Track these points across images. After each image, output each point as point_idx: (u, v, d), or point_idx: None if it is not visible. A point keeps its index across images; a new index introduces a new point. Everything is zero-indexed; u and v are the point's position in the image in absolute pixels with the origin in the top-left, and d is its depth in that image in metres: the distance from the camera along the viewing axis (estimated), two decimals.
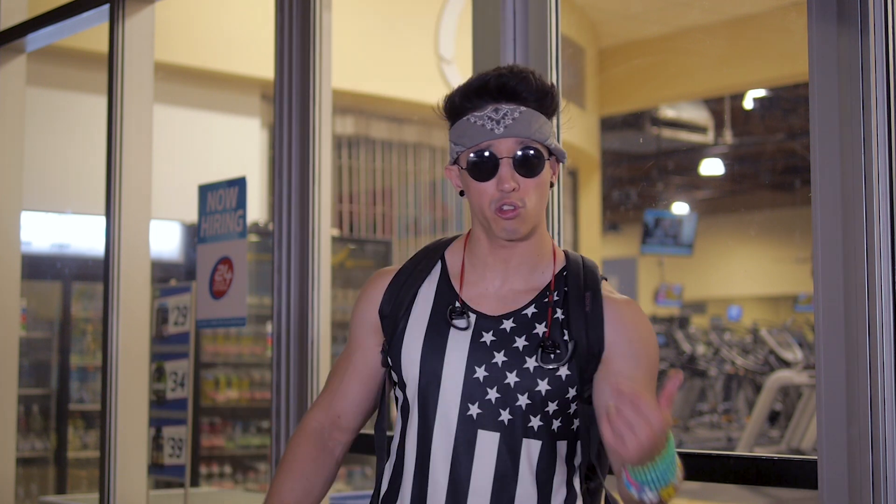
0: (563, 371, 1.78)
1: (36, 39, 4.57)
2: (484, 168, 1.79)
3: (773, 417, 10.98)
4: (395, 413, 1.91)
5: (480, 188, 1.80)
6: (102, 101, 4.00)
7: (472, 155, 1.80)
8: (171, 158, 6.09)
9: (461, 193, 1.87)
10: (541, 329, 1.80)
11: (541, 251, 1.87)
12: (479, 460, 1.77)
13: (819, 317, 2.09)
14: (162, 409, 3.71)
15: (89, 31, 4.42)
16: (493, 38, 2.78)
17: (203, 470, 6.72)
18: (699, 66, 8.68)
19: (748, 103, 10.54)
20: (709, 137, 11.16)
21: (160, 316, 3.77)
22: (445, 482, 1.77)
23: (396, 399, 1.89)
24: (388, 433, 1.93)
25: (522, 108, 1.79)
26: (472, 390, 1.78)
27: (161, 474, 3.70)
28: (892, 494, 1.96)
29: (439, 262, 1.90)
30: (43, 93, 6.30)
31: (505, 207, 1.77)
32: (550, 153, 1.82)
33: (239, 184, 3.45)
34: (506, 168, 1.77)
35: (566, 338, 1.80)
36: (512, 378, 1.77)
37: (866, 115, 2.02)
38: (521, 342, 1.79)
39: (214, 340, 6.84)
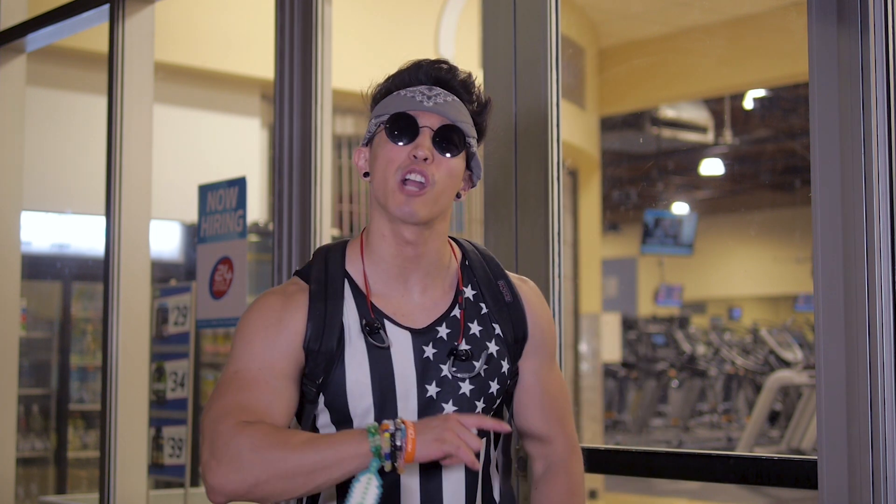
0: (505, 366, 1.77)
1: (36, 39, 4.57)
2: (403, 130, 1.69)
3: (773, 417, 10.98)
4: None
5: (391, 153, 1.69)
6: (102, 101, 4.00)
7: (392, 117, 1.70)
8: (171, 158, 6.08)
9: (365, 175, 1.75)
10: (476, 328, 1.76)
11: (445, 248, 1.79)
12: (449, 477, 1.72)
13: (819, 317, 2.09)
14: (162, 409, 3.71)
15: (89, 31, 4.42)
16: (506, 38, 2.77)
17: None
18: (699, 66, 8.67)
19: (748, 103, 10.53)
20: (709, 137, 11.16)
21: (160, 316, 3.77)
22: None
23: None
24: None
25: (455, 98, 1.73)
26: (427, 409, 1.71)
27: (161, 474, 3.70)
28: (892, 494, 1.96)
29: (345, 281, 1.75)
30: (43, 93, 6.30)
31: (410, 178, 1.67)
32: (469, 157, 1.75)
33: (239, 184, 3.45)
34: (425, 137, 1.69)
35: (497, 331, 1.78)
36: (466, 387, 1.73)
37: (866, 115, 2.02)
38: (462, 347, 1.74)
39: (214, 340, 6.84)
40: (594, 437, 9.49)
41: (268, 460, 1.54)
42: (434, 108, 1.70)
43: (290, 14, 3.21)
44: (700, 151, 11.69)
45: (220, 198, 3.50)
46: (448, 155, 1.70)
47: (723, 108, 10.85)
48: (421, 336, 1.73)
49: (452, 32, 7.78)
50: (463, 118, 1.72)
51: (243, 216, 3.42)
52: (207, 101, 7.20)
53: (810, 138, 2.12)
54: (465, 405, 1.72)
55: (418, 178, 1.67)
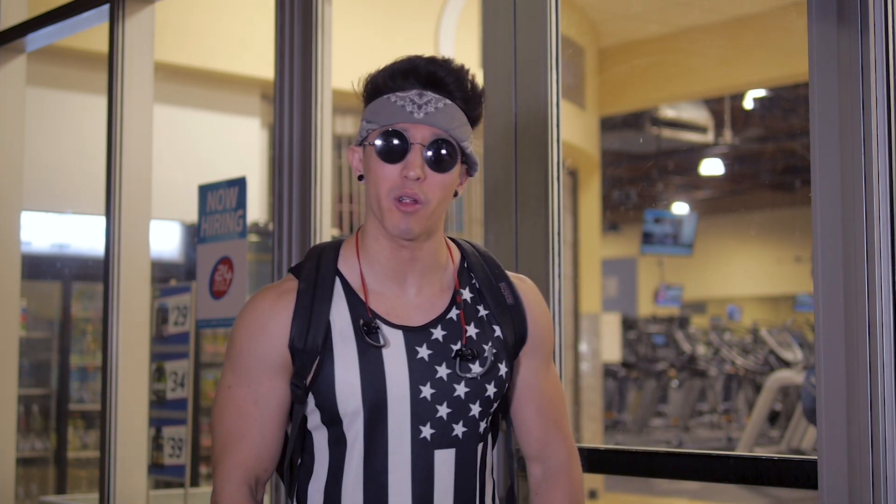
0: (503, 369, 1.75)
1: (36, 39, 4.57)
2: (393, 150, 1.66)
3: (773, 417, 10.98)
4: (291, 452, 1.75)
5: (383, 172, 1.66)
6: (102, 101, 4.00)
7: (382, 135, 1.67)
8: (171, 158, 6.08)
9: (360, 178, 1.74)
10: (472, 331, 1.74)
11: (441, 249, 1.77)
12: (440, 482, 1.69)
13: (819, 317, 2.09)
14: (162, 409, 3.71)
15: (89, 31, 4.42)
16: (505, 38, 2.77)
17: (203, 470, 6.71)
18: (699, 66, 8.67)
19: (748, 103, 10.53)
20: (709, 137, 11.16)
21: (160, 316, 3.77)
22: None
23: (307, 435, 1.74)
24: None
25: (447, 101, 1.68)
26: (421, 411, 1.68)
27: (161, 474, 3.70)
28: (892, 494, 1.96)
29: (336, 279, 1.73)
30: (43, 93, 6.30)
31: (404, 199, 1.65)
32: (464, 158, 1.72)
33: (239, 184, 3.45)
34: (416, 155, 1.65)
35: (497, 333, 1.76)
36: (461, 389, 1.70)
37: (866, 115, 2.02)
38: (458, 349, 1.72)
39: (214, 340, 6.84)
40: (594, 437, 9.49)
41: None
42: (425, 119, 1.66)
43: (290, 14, 3.21)
44: (700, 151, 11.68)
45: (220, 198, 3.50)
46: (441, 172, 1.67)
47: (723, 108, 10.85)
48: (414, 336, 1.70)
49: (452, 32, 7.78)
50: (456, 123, 1.69)
51: (243, 216, 3.42)
52: (207, 101, 7.20)
53: (810, 138, 2.12)
54: (459, 408, 1.70)
55: (409, 199, 1.66)
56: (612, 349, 10.82)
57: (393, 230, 1.67)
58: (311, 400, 1.71)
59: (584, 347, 9.60)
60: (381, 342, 1.68)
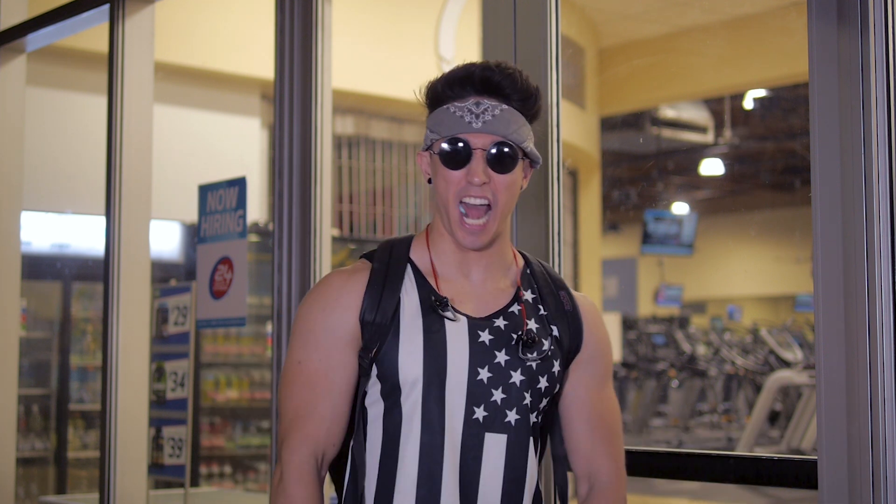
0: (556, 367, 1.80)
1: (36, 39, 4.57)
2: (456, 157, 1.75)
3: (773, 417, 10.98)
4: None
5: (449, 176, 1.76)
6: (102, 101, 4.00)
7: (445, 143, 1.76)
8: (171, 158, 6.08)
9: (429, 181, 1.82)
10: (532, 325, 1.80)
11: (506, 250, 1.86)
12: (488, 466, 1.73)
13: (819, 317, 2.09)
14: (162, 409, 3.71)
15: (89, 31, 4.42)
16: (505, 38, 2.77)
17: (203, 470, 6.72)
18: (699, 66, 8.68)
19: (748, 103, 10.54)
20: (709, 137, 11.16)
21: (160, 316, 3.77)
22: (457, 492, 1.72)
23: (363, 410, 1.79)
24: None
25: (504, 107, 1.76)
26: (476, 392, 1.74)
27: (161, 474, 3.70)
28: (892, 494, 1.96)
29: (408, 265, 1.83)
30: (43, 93, 6.30)
31: (469, 202, 1.74)
32: (525, 155, 1.79)
33: (239, 184, 3.45)
34: (478, 160, 1.74)
35: (555, 333, 1.82)
36: (517, 377, 1.75)
37: (866, 115, 2.02)
38: (543, 341, 1.79)
39: (214, 340, 6.84)
40: None
41: None
42: (483, 128, 1.74)
43: (290, 14, 3.21)
44: (700, 151, 11.69)
45: (220, 198, 3.50)
46: (504, 174, 1.75)
47: (723, 108, 10.86)
48: (478, 322, 1.77)
49: (452, 32, 7.78)
50: (515, 127, 1.76)
51: (243, 216, 3.42)
52: (207, 101, 7.20)
53: (810, 138, 2.12)
54: (514, 394, 1.75)
55: (478, 201, 1.75)
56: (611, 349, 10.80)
57: (463, 242, 1.77)
58: (374, 371, 1.76)
59: None
60: (453, 317, 1.75)
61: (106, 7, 4.01)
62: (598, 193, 9.90)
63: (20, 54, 4.68)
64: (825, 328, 2.08)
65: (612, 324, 10.85)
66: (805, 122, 2.16)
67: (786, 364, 11.39)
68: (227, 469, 6.88)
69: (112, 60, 3.95)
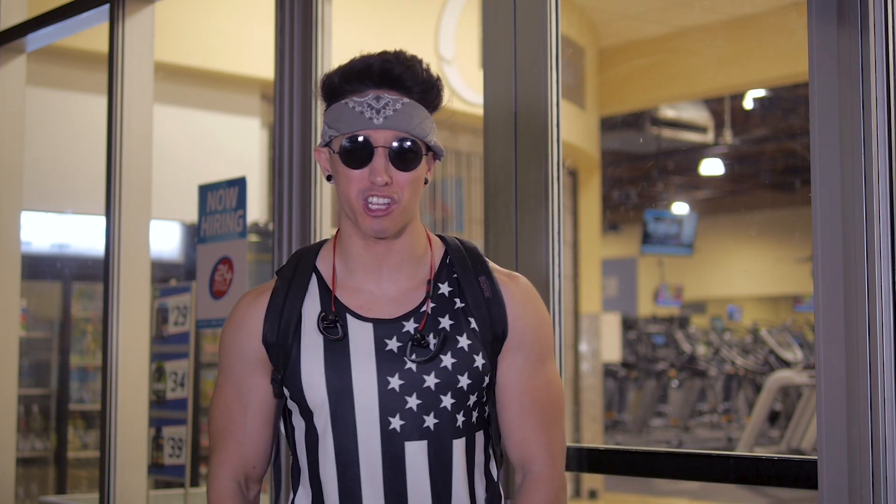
0: (479, 361, 1.73)
1: (36, 39, 4.57)
2: (357, 155, 1.68)
3: (773, 417, 10.99)
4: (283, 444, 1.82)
5: (350, 175, 1.69)
6: (102, 101, 4.00)
7: (345, 141, 1.69)
8: (171, 158, 6.08)
9: (328, 178, 1.77)
10: (446, 322, 1.73)
11: (418, 242, 1.78)
12: (412, 474, 1.69)
13: (819, 317, 2.09)
14: (162, 409, 3.71)
15: (89, 31, 4.42)
16: (505, 38, 2.77)
17: (203, 470, 6.71)
18: (699, 66, 8.67)
19: (748, 103, 10.53)
20: (709, 137, 11.16)
21: (160, 316, 3.77)
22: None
23: (292, 429, 1.77)
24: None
25: (405, 100, 1.69)
26: (389, 402, 1.68)
27: (161, 474, 3.70)
28: (892, 494, 1.96)
29: (313, 274, 1.77)
30: (43, 93, 6.30)
31: (373, 201, 1.67)
32: (429, 149, 1.73)
33: (239, 184, 3.45)
34: (380, 159, 1.67)
35: (473, 325, 1.74)
36: (431, 380, 1.69)
37: (866, 115, 2.02)
38: (431, 341, 1.71)
39: (214, 340, 6.84)
40: (594, 437, 9.49)
41: None
42: (385, 124, 1.67)
43: (290, 14, 3.21)
44: (700, 151, 11.68)
45: (220, 198, 3.50)
46: (407, 170, 1.69)
47: (723, 108, 10.85)
48: (385, 328, 1.71)
49: (452, 32, 7.78)
50: (417, 121, 1.69)
51: (243, 216, 3.42)
52: (207, 101, 7.19)
53: (810, 138, 2.12)
54: (429, 399, 1.69)
55: (381, 201, 1.68)
56: (612, 349, 10.81)
57: (368, 231, 1.70)
58: (286, 393, 1.74)
59: (584, 347, 9.60)
60: (339, 334, 1.71)
61: (106, 7, 4.01)
62: (598, 193, 9.90)
63: (20, 54, 4.68)
64: (825, 328, 2.08)
65: (611, 324, 10.85)
66: (805, 122, 2.16)
67: (786, 364, 11.40)
68: None
69: (112, 60, 3.95)
